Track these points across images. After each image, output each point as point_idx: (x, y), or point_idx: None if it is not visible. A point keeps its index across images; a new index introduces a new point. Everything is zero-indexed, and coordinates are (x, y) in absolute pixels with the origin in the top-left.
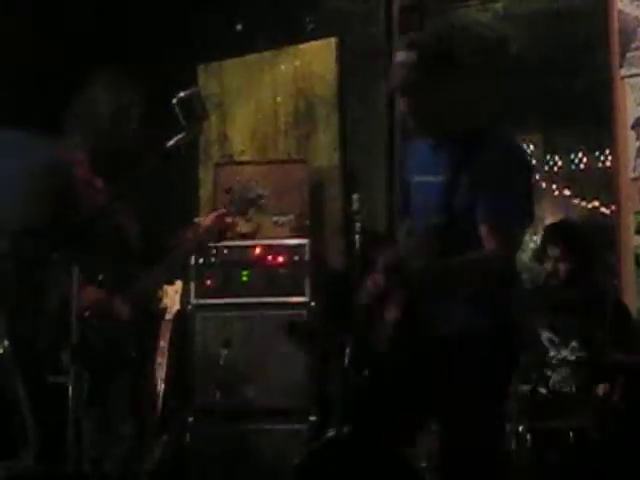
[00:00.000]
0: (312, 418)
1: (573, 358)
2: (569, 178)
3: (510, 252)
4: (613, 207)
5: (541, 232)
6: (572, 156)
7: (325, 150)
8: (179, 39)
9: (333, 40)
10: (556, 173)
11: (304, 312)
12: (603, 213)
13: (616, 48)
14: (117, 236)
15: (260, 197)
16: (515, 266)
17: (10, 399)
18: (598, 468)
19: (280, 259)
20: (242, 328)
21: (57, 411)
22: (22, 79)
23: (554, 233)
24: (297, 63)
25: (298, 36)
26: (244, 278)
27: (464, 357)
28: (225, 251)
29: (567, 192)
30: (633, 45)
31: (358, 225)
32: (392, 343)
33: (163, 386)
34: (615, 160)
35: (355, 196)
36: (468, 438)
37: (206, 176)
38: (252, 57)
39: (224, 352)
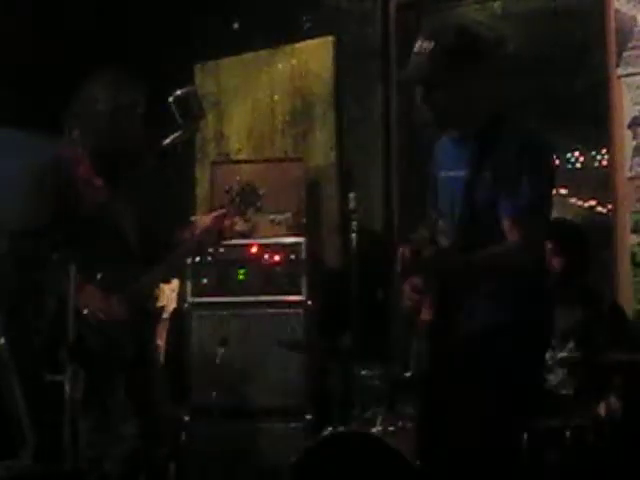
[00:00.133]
0: (308, 417)
1: (570, 359)
2: (566, 177)
3: (534, 244)
4: (609, 206)
5: None
6: (569, 155)
7: (322, 149)
8: (176, 38)
9: (330, 39)
10: None
11: (300, 310)
12: (599, 212)
13: (613, 47)
14: (116, 235)
15: (259, 197)
16: (542, 259)
17: (7, 398)
18: (595, 468)
19: (277, 258)
20: (239, 327)
21: (55, 410)
22: (22, 79)
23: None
24: (294, 62)
25: (295, 35)
26: (241, 277)
27: (488, 353)
28: (221, 249)
29: (563, 191)
30: (630, 44)
31: (355, 224)
32: (430, 342)
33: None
34: (612, 159)
35: (352, 195)
36: (484, 437)
37: (203, 174)
38: (249, 56)
39: (220, 351)
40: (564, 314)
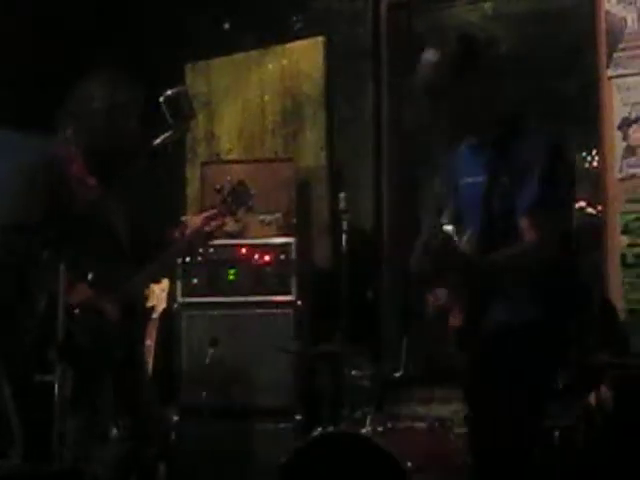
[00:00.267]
0: (298, 417)
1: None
2: None
3: (549, 243)
4: (600, 207)
5: None
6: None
7: (312, 149)
8: (167, 38)
9: (320, 39)
10: None
11: (290, 311)
12: (590, 213)
13: (603, 49)
14: (108, 234)
15: (251, 197)
16: (561, 259)
17: None
18: (584, 469)
19: (267, 258)
20: (229, 327)
21: (44, 410)
22: (22, 79)
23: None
24: (284, 62)
25: (285, 35)
26: (231, 277)
27: (508, 352)
28: (211, 250)
29: None
30: (620, 46)
31: (345, 224)
32: (460, 347)
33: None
34: (602, 160)
35: (342, 195)
36: (502, 437)
37: (193, 174)
38: (239, 56)
39: (210, 351)
40: None
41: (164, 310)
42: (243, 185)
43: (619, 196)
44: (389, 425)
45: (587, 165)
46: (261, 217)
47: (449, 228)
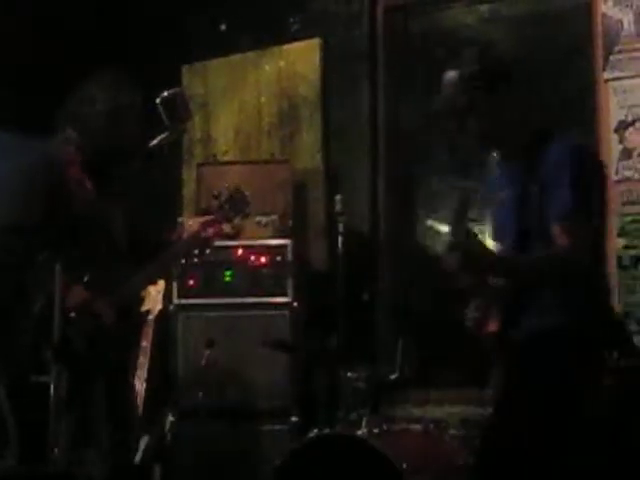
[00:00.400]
0: (294, 418)
1: None
2: None
3: (580, 248)
4: None
5: None
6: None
7: (308, 151)
8: (164, 39)
9: (317, 41)
10: None
11: (286, 312)
12: None
13: (599, 51)
14: (105, 236)
15: (248, 204)
16: (592, 266)
17: None
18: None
19: (263, 259)
20: (225, 328)
21: (40, 411)
22: (22, 79)
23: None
24: (281, 64)
25: (282, 37)
26: (227, 278)
27: (535, 358)
28: (207, 251)
29: None
30: (616, 48)
31: (341, 226)
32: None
33: (145, 386)
34: None
35: (338, 197)
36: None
37: (189, 176)
38: (236, 57)
39: (207, 352)
40: None
41: (160, 311)
42: (240, 192)
43: (615, 198)
44: (384, 427)
45: None
46: (257, 219)
47: (444, 229)
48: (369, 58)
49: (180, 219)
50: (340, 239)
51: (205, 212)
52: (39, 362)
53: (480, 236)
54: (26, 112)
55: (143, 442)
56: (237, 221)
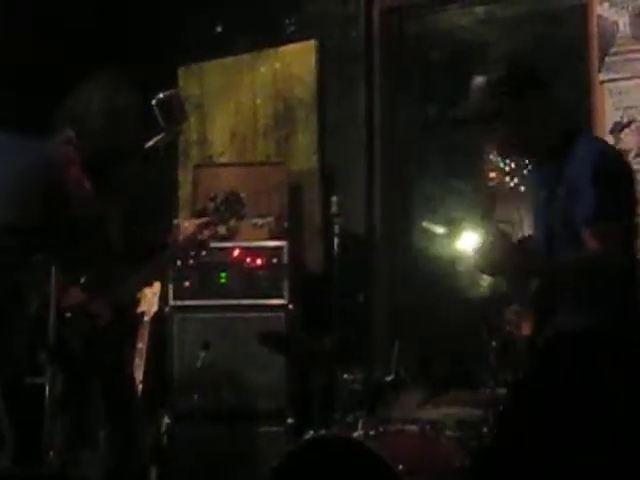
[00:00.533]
0: (290, 420)
1: None
2: None
3: (611, 252)
4: None
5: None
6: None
7: (304, 152)
8: (160, 40)
9: (313, 43)
10: None
11: (282, 314)
12: None
13: (595, 53)
14: (102, 237)
15: (244, 206)
16: (624, 266)
17: None
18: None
19: (258, 261)
20: (220, 330)
21: (35, 412)
22: (22, 79)
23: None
24: (277, 65)
25: (278, 38)
26: (222, 280)
27: (568, 359)
28: (203, 252)
29: None
30: (612, 50)
31: (337, 228)
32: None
33: (141, 388)
34: None
35: (334, 199)
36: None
37: (185, 177)
38: (232, 59)
39: (202, 354)
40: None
41: (156, 313)
42: (236, 195)
43: None
44: (380, 429)
45: None
46: (253, 220)
47: (440, 230)
48: (365, 60)
49: (176, 221)
50: (336, 240)
51: (201, 214)
52: (34, 363)
53: (510, 236)
54: (26, 112)
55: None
56: (233, 223)
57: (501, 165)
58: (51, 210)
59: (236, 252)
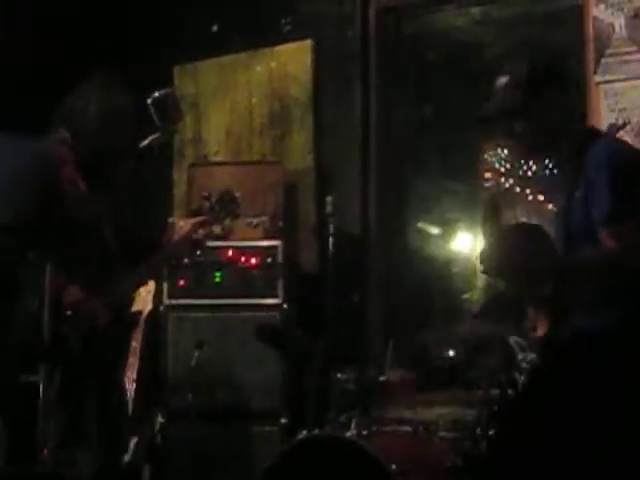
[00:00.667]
0: (283, 420)
1: None
2: (543, 183)
3: (630, 250)
4: None
5: None
6: (547, 161)
7: (299, 151)
8: (155, 39)
9: (309, 42)
10: (530, 178)
11: (277, 314)
12: None
13: (591, 54)
14: (98, 237)
15: (238, 206)
16: None
17: None
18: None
19: (253, 260)
20: (215, 329)
21: (29, 411)
22: (22, 79)
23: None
24: (273, 65)
25: (274, 38)
26: (217, 279)
27: (584, 359)
28: (198, 252)
29: (541, 197)
30: (608, 51)
31: (332, 227)
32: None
33: (135, 387)
34: None
35: (329, 198)
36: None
37: (180, 176)
38: (228, 58)
39: (196, 353)
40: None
41: (150, 312)
42: (230, 194)
43: None
44: (374, 428)
45: None
46: (248, 220)
47: (435, 231)
48: (361, 60)
49: (171, 220)
50: (331, 240)
51: (196, 213)
52: (29, 361)
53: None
54: (26, 112)
55: (132, 443)
56: (227, 222)
57: (496, 166)
58: (47, 209)
59: (231, 251)
